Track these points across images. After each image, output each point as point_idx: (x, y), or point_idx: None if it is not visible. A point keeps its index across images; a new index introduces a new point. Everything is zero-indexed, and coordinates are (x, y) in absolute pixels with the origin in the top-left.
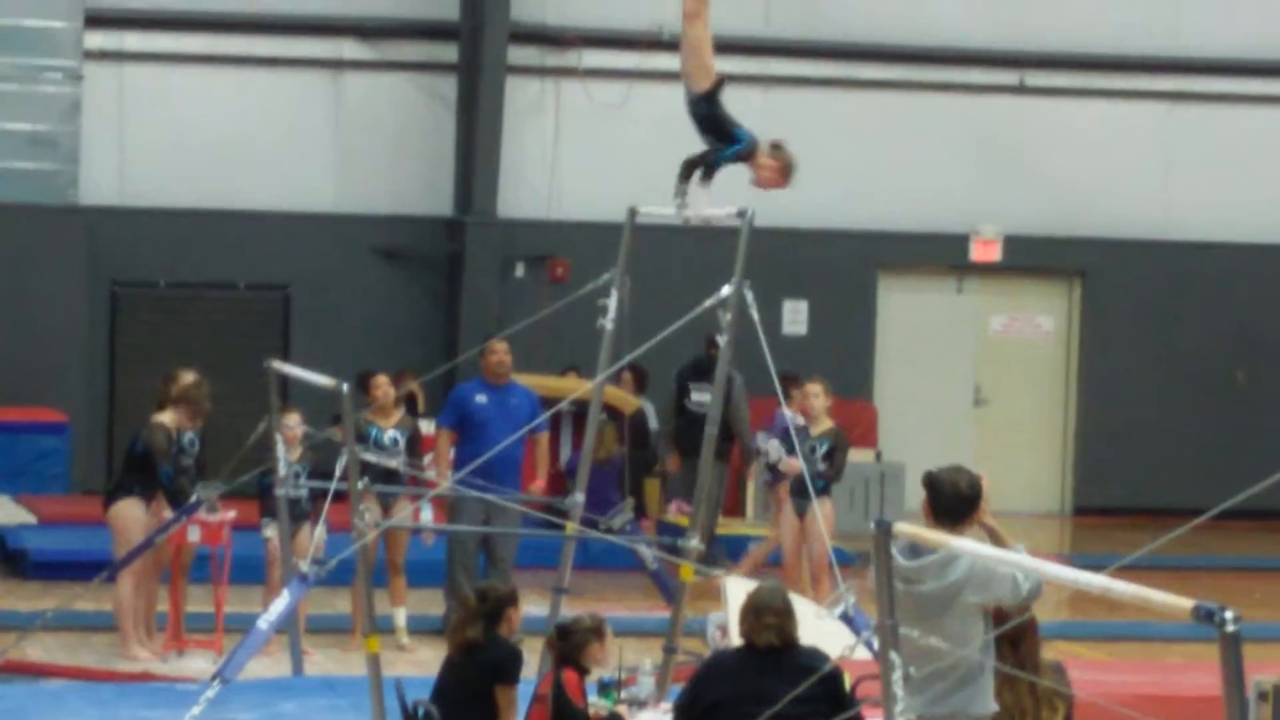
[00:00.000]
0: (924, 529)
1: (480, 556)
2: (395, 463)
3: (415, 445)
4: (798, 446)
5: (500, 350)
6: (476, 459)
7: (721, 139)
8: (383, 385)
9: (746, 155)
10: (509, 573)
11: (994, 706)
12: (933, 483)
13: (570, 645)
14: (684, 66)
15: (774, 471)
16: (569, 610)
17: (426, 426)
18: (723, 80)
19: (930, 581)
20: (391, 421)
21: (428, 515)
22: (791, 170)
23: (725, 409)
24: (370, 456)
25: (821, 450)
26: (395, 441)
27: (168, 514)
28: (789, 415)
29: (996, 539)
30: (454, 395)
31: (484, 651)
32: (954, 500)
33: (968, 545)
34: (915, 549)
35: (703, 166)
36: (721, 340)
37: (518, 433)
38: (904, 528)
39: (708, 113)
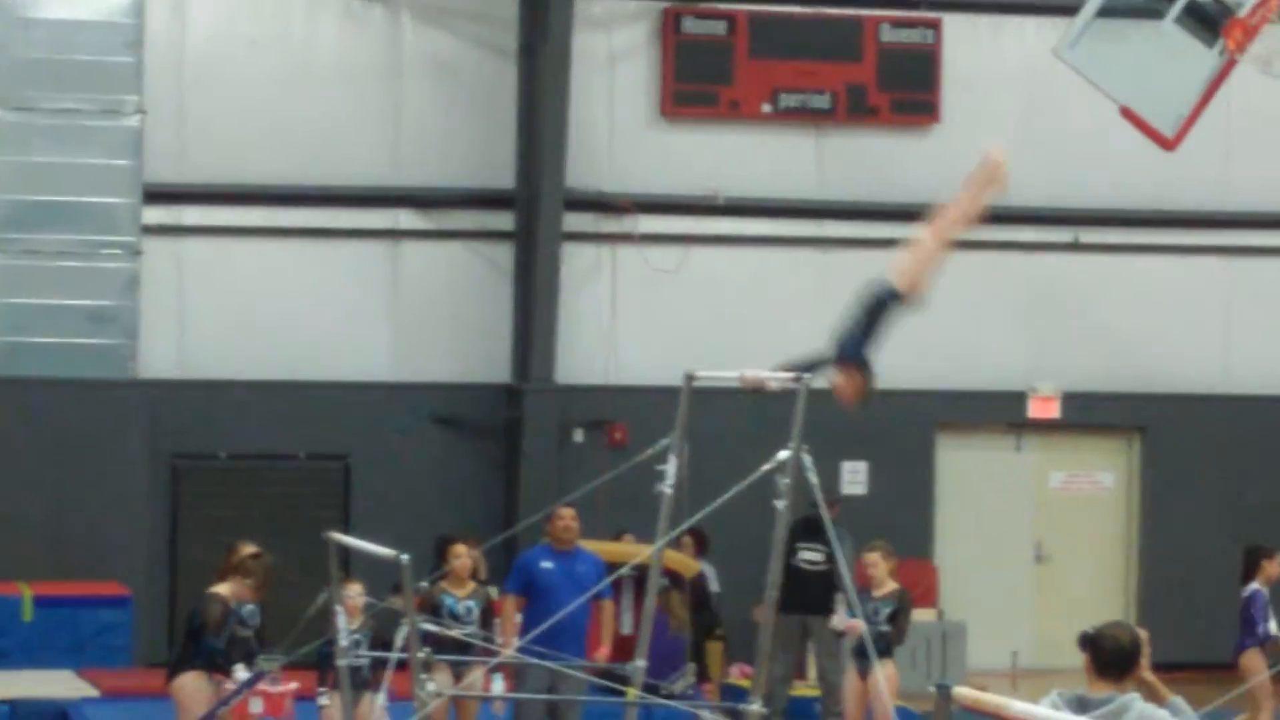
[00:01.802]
0: (985, 694)
1: None
2: (464, 633)
3: (489, 615)
4: (859, 609)
5: (568, 516)
6: (543, 625)
7: (852, 337)
8: (460, 554)
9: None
10: None
11: None
12: (1095, 640)
13: None
14: (904, 264)
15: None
16: None
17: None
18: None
19: None
20: (467, 591)
21: (499, 686)
22: (864, 396)
23: (832, 567)
24: (430, 626)
25: (885, 613)
26: (470, 611)
27: (230, 686)
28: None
29: (1155, 693)
30: (520, 561)
31: None
32: (1117, 655)
33: (1026, 708)
34: (1083, 704)
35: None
36: (780, 505)
37: (582, 597)
38: (964, 692)
39: (877, 309)
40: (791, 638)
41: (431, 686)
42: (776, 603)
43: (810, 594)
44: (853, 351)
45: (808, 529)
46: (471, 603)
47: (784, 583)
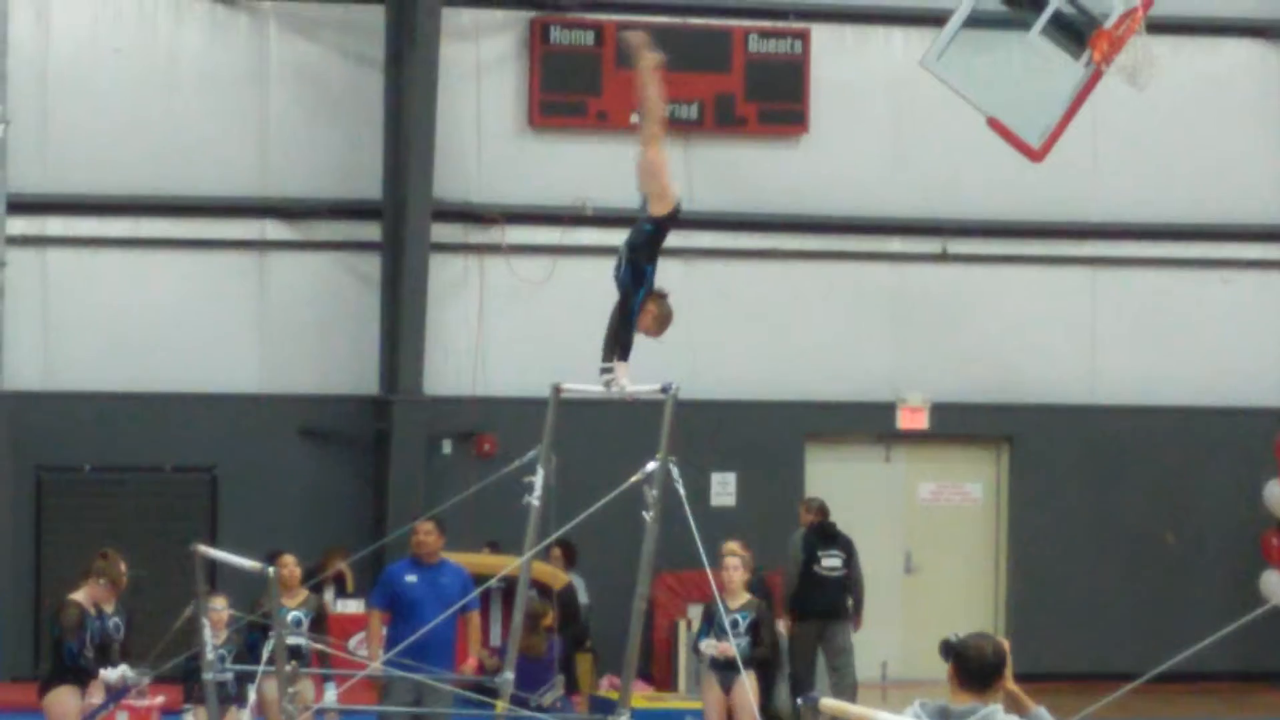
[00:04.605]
0: (851, 705)
1: None
2: (293, 642)
3: (320, 624)
4: (725, 621)
5: (424, 531)
6: (408, 638)
7: (635, 274)
8: (288, 564)
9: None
10: None
11: None
12: (960, 650)
13: None
14: (644, 188)
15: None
16: None
17: (356, 606)
18: (679, 206)
19: None
20: (296, 601)
21: (331, 695)
22: (663, 323)
23: (849, 572)
24: None
25: (744, 623)
26: (298, 622)
27: (97, 700)
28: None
29: (1019, 704)
30: (384, 575)
31: None
32: (981, 666)
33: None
34: (946, 715)
35: (623, 328)
36: (648, 516)
37: (447, 611)
38: (830, 703)
39: (651, 236)
40: (808, 643)
41: (331, 696)
42: (642, 614)
43: (829, 599)
44: (640, 296)
45: (824, 535)
46: (300, 613)
47: (801, 590)
